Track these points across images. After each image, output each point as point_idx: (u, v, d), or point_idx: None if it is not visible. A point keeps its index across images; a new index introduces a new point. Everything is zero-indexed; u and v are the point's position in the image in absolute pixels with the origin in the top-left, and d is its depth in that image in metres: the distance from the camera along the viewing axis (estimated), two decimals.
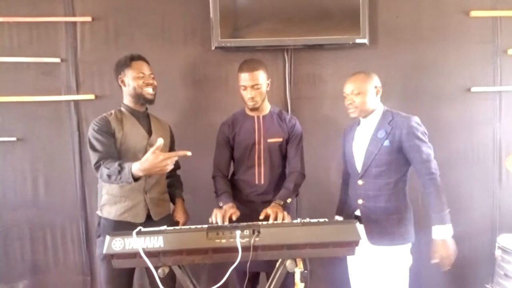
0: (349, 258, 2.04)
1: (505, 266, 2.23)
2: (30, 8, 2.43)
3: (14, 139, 2.48)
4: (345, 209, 2.07)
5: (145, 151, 1.91)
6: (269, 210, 1.83)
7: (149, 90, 1.94)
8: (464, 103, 2.59)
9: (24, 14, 2.42)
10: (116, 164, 1.71)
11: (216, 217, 1.79)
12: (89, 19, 2.45)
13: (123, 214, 1.91)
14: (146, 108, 2.05)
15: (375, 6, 2.50)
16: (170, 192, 2.15)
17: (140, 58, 1.97)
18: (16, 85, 2.46)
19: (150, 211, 1.94)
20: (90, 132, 1.87)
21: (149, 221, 1.90)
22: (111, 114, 1.95)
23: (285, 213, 1.84)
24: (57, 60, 2.46)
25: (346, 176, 2.12)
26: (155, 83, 1.98)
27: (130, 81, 1.93)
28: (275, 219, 1.80)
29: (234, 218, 1.80)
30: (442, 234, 1.77)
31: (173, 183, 2.18)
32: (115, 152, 1.86)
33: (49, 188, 2.53)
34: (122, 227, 1.73)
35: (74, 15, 2.46)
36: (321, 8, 2.38)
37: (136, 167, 1.65)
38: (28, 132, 2.50)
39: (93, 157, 1.82)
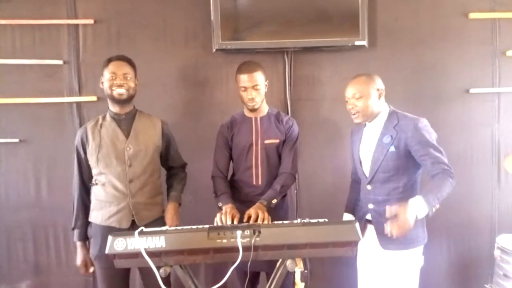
0: (359, 261, 2.04)
1: (504, 266, 2.24)
2: (33, 10, 2.45)
3: (16, 140, 2.50)
4: (356, 212, 2.06)
5: (124, 155, 1.92)
6: (251, 211, 1.84)
7: (119, 91, 1.89)
8: (463, 105, 2.60)
9: (27, 17, 2.44)
10: (73, 218, 2.01)
11: (221, 220, 1.80)
12: (91, 21, 2.47)
13: (109, 219, 1.92)
14: (133, 107, 2.02)
15: (374, 8, 2.51)
16: (168, 193, 2.13)
17: (119, 58, 1.94)
18: (19, 87, 2.48)
19: (134, 216, 1.93)
20: (75, 146, 2.01)
21: (135, 226, 1.86)
22: (93, 120, 2.01)
23: (266, 214, 1.84)
24: (60, 62, 2.49)
25: (355, 176, 2.10)
26: (129, 84, 1.92)
27: (105, 82, 1.92)
28: (256, 220, 1.80)
29: (235, 221, 1.80)
30: (416, 206, 1.62)
31: (172, 183, 2.14)
32: (86, 169, 1.99)
33: (51, 189, 2.55)
34: (108, 233, 1.67)
35: (76, 17, 2.48)
36: (321, 10, 2.40)
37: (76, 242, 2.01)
38: (31, 134, 2.52)
39: (73, 176, 2.04)
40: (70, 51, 2.49)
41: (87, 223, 2.01)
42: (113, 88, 1.89)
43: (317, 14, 2.40)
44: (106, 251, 1.46)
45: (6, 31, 2.46)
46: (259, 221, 1.79)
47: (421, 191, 1.74)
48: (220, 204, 1.95)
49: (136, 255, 1.45)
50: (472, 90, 2.58)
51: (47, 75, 2.49)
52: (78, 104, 2.52)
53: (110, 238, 1.47)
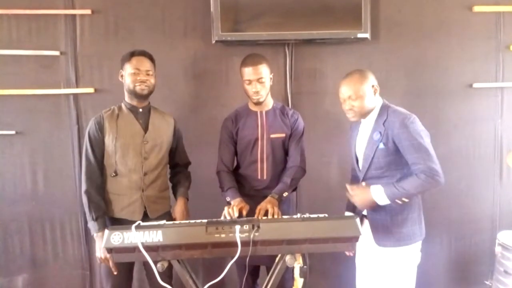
0: (357, 257, 2.03)
1: (505, 263, 2.24)
2: (30, 0, 2.40)
3: (13, 132, 2.47)
4: (355, 208, 2.04)
5: (141, 148, 1.94)
6: (262, 205, 1.84)
7: (142, 87, 1.93)
8: (466, 99, 2.57)
9: (23, 7, 2.40)
10: (92, 209, 1.88)
11: (229, 213, 1.79)
12: (88, 12, 2.43)
13: (121, 211, 1.93)
14: (149, 103, 2.04)
15: (377, 1, 2.47)
16: (174, 190, 2.15)
17: (141, 53, 1.96)
18: (15, 78, 2.44)
19: (146, 208, 1.95)
20: (86, 135, 1.95)
21: (146, 218, 1.89)
22: (109, 109, 1.99)
23: (276, 209, 1.83)
24: (57, 53, 2.45)
25: (355, 172, 2.06)
26: (151, 80, 1.96)
27: (126, 77, 1.94)
28: (265, 214, 1.80)
29: (244, 213, 1.80)
30: (377, 192, 1.76)
31: (179, 180, 2.15)
32: (101, 156, 1.93)
33: (48, 181, 2.53)
34: (119, 224, 1.75)
35: (73, 7, 2.43)
36: (323, 2, 2.36)
37: (93, 230, 1.89)
38: (27, 126, 2.49)
39: (85, 167, 1.93)
40: (67, 42, 2.45)
41: (105, 212, 1.94)
42: (136, 84, 1.92)
43: (319, 6, 2.36)
44: (103, 245, 1.45)
45: (3, 21, 2.42)
46: (269, 216, 1.78)
47: (398, 181, 1.79)
48: (228, 199, 1.95)
49: (133, 249, 1.44)
50: (475, 85, 2.55)
51: (43, 66, 2.45)
52: (75, 95, 2.49)
53: (106, 232, 1.45)
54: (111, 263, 1.86)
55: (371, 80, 1.84)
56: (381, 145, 1.79)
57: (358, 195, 1.82)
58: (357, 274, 2.05)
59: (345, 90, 1.83)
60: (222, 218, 1.80)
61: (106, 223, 1.90)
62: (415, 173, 1.73)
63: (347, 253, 2.01)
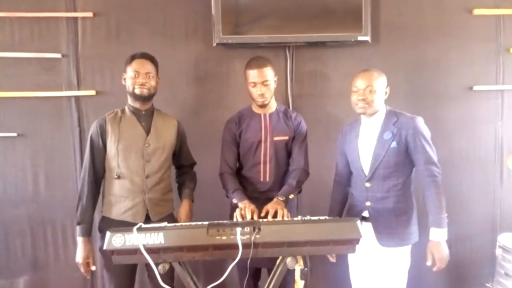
0: (351, 258, 2.03)
1: (506, 265, 2.23)
2: (32, 3, 2.42)
3: (14, 134, 2.48)
4: (349, 210, 2.06)
5: (143, 150, 1.95)
6: (269, 206, 1.84)
7: (141, 90, 1.93)
8: (466, 102, 2.58)
9: (25, 9, 2.41)
10: (79, 212, 1.91)
11: (241, 216, 1.81)
12: (90, 14, 2.44)
13: (124, 213, 1.93)
14: (152, 105, 2.05)
15: (377, 3, 2.48)
16: (180, 190, 2.16)
17: (142, 56, 1.96)
18: (17, 81, 2.45)
19: (149, 211, 1.95)
20: (88, 137, 1.96)
21: (148, 221, 1.90)
22: (112, 112, 2.00)
23: (285, 210, 1.85)
24: (58, 55, 2.46)
25: (340, 177, 2.10)
26: (151, 82, 1.95)
27: (127, 79, 1.95)
28: (275, 215, 1.80)
29: (255, 216, 1.81)
30: (438, 236, 1.80)
31: (184, 181, 2.17)
32: (101, 161, 1.95)
33: (49, 184, 2.53)
34: (122, 227, 1.74)
35: (75, 10, 2.45)
36: (323, 5, 2.37)
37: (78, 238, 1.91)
38: (29, 128, 2.49)
39: (83, 169, 1.96)
40: (68, 45, 2.46)
41: (93, 218, 1.97)
42: (136, 86, 1.93)
43: (319, 9, 2.37)
44: (104, 247, 1.45)
45: (5, 24, 2.43)
46: (279, 217, 1.79)
47: (430, 212, 1.86)
48: (235, 201, 1.95)
49: (135, 251, 1.44)
50: (475, 87, 2.56)
51: (45, 69, 2.46)
52: (77, 98, 2.49)
53: (108, 234, 1.45)
54: (84, 269, 1.92)
55: (386, 82, 1.90)
56: (394, 144, 1.84)
57: (437, 255, 1.82)
58: (352, 275, 2.06)
59: (364, 80, 1.86)
60: (234, 220, 1.81)
61: (89, 231, 1.94)
62: (429, 177, 1.82)
63: (330, 258, 2.04)
